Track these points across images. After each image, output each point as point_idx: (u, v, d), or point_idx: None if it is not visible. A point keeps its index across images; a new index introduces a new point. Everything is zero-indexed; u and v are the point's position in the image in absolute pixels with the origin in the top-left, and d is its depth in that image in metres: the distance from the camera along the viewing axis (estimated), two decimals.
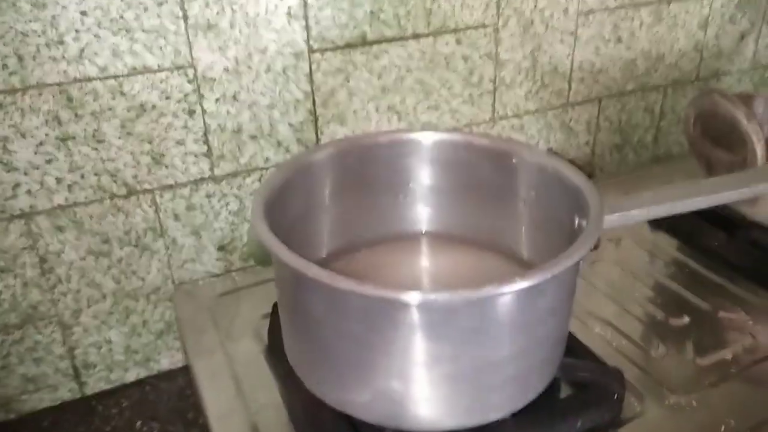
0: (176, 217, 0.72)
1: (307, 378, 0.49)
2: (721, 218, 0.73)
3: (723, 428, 0.50)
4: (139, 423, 0.72)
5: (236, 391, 0.55)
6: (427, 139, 0.59)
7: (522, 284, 0.40)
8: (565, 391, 0.53)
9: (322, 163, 0.56)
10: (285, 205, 0.52)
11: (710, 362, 0.57)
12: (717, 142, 0.70)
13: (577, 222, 0.50)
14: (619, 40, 0.92)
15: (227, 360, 0.58)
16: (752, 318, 0.62)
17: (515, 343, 0.44)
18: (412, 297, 0.39)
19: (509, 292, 0.40)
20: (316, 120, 0.75)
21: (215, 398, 0.55)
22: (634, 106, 0.99)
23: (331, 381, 0.46)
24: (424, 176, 0.60)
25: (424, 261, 0.60)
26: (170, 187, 0.70)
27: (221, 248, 0.76)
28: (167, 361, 0.78)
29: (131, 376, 0.77)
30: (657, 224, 0.77)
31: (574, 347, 0.55)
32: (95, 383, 0.75)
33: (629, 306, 0.64)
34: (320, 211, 0.57)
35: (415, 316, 0.41)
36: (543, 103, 0.90)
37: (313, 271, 0.41)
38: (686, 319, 0.62)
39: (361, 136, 0.58)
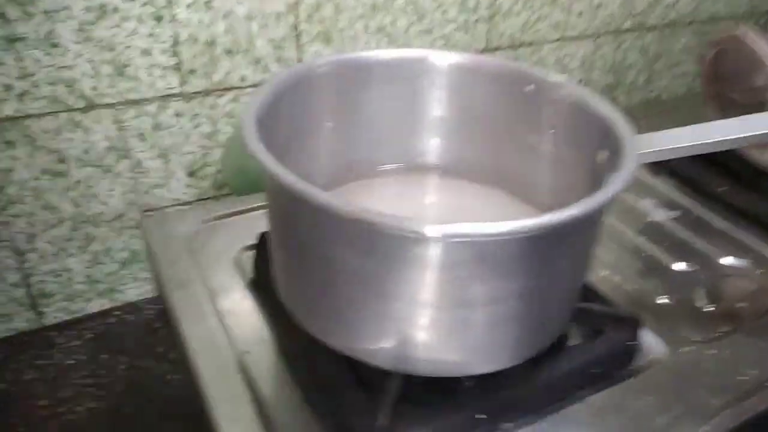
0: (141, 137, 0.62)
1: (304, 318, 0.41)
2: (726, 164, 0.66)
3: (741, 378, 0.44)
4: (105, 356, 0.63)
5: (219, 325, 0.46)
6: (441, 60, 0.50)
7: (551, 221, 0.33)
8: (580, 338, 0.46)
9: (322, 79, 0.46)
10: (277, 124, 0.42)
11: (721, 310, 0.51)
12: (733, 81, 0.63)
13: (604, 157, 0.42)
14: None
15: (207, 293, 0.49)
16: (759, 266, 0.56)
17: (536, 286, 0.36)
18: (432, 230, 0.31)
19: (536, 230, 0.33)
20: (298, 36, 0.65)
21: (196, 332, 0.46)
22: (630, 45, 0.91)
23: (331, 321, 0.38)
24: (435, 103, 0.50)
25: (431, 197, 0.51)
26: (135, 102, 0.60)
27: (191, 174, 0.66)
28: (134, 292, 0.69)
29: (94, 307, 0.68)
30: (658, 168, 0.70)
31: (587, 292, 0.48)
32: (54, 313, 0.66)
33: (635, 250, 0.57)
34: (318, 134, 0.47)
35: (431, 251, 0.33)
36: (539, 36, 0.82)
37: (321, 197, 0.33)
38: (694, 266, 0.56)
39: (367, 53, 0.49)
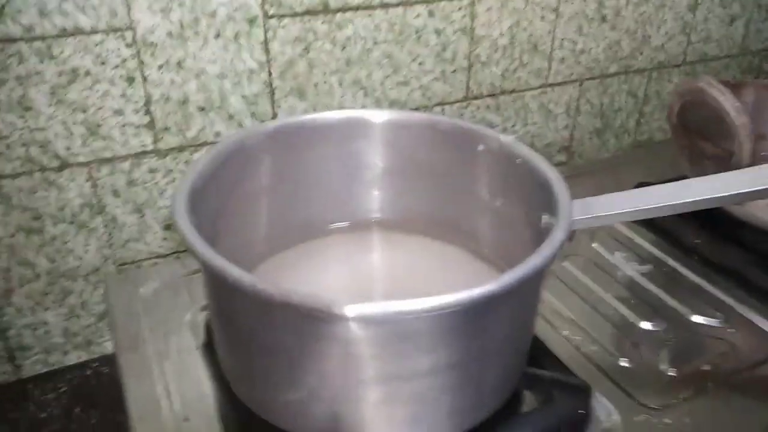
0: (116, 193, 0.64)
1: (239, 388, 0.42)
2: (703, 215, 0.66)
3: None
4: (77, 410, 0.65)
5: (164, 389, 0.48)
6: (379, 118, 0.51)
7: (473, 296, 0.33)
8: (527, 405, 0.46)
9: (260, 145, 0.48)
10: (216, 191, 0.44)
11: (685, 373, 0.51)
12: (702, 132, 0.63)
13: (544, 219, 0.43)
14: (603, 19, 0.84)
15: (158, 355, 0.51)
16: (731, 325, 0.56)
17: (469, 358, 0.37)
18: (349, 309, 0.32)
19: (463, 303, 0.33)
20: (272, 92, 0.67)
21: (139, 395, 0.47)
22: (617, 89, 0.91)
23: (263, 395, 0.39)
24: (376, 159, 0.51)
25: (376, 254, 0.53)
26: (108, 160, 0.62)
27: (168, 227, 0.68)
28: (110, 344, 0.71)
29: (72, 359, 0.70)
30: None
31: (539, 353, 0.48)
32: (32, 366, 0.68)
33: (601, 307, 0.57)
34: (258, 197, 0.49)
35: (352, 329, 0.34)
36: (521, 83, 0.82)
37: (235, 274, 0.34)
38: (661, 324, 0.55)
39: (303, 117, 0.50)
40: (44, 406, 0.65)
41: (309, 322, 0.34)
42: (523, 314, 0.40)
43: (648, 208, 0.41)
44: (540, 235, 0.43)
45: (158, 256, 0.69)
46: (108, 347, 0.70)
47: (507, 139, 0.47)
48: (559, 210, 0.39)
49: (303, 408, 0.38)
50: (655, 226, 0.67)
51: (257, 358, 0.38)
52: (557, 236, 0.37)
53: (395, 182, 0.52)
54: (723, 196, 0.40)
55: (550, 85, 0.85)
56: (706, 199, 0.41)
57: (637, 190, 0.42)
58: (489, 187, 0.49)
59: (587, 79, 0.87)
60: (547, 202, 0.42)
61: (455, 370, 0.37)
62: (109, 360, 0.70)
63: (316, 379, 0.37)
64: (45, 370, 0.69)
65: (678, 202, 0.41)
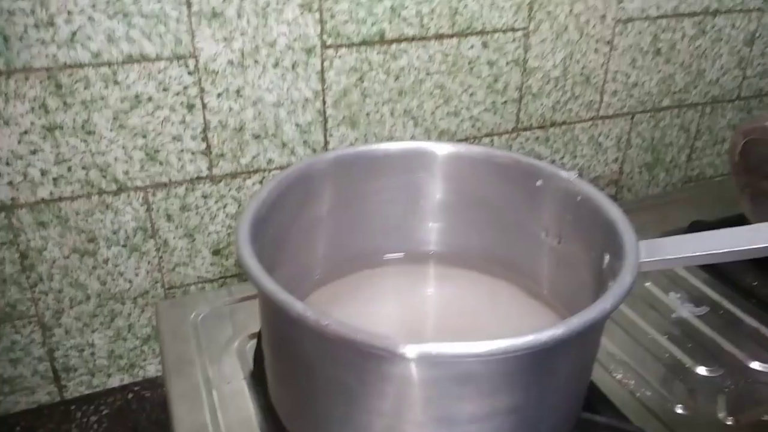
0: (169, 218, 0.65)
1: (289, 421, 0.42)
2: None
3: None
4: None
5: (211, 417, 0.48)
6: (441, 150, 0.51)
7: (540, 339, 0.33)
8: None
9: (322, 173, 0.49)
10: (278, 218, 0.45)
11: (745, 422, 0.50)
12: (764, 171, 0.62)
13: (606, 260, 0.42)
14: (658, 52, 0.84)
15: (205, 380, 0.51)
16: None
17: (527, 403, 0.37)
18: (409, 350, 0.32)
19: (529, 347, 0.33)
20: (325, 121, 0.68)
21: (186, 422, 0.48)
22: (669, 123, 0.91)
23: (312, 430, 0.40)
24: (435, 191, 0.52)
25: (430, 288, 0.53)
26: (164, 185, 0.64)
27: (216, 252, 0.69)
28: (154, 368, 0.72)
29: (114, 382, 0.71)
30: None
31: (593, 398, 0.48)
32: (75, 387, 0.69)
33: (656, 350, 0.56)
34: (317, 226, 0.50)
35: (408, 369, 0.34)
36: (571, 115, 0.82)
37: (299, 309, 0.34)
38: (718, 370, 0.54)
39: (369, 146, 0.51)
40: (86, 428, 0.66)
41: (370, 360, 0.34)
42: (584, 359, 0.40)
43: (719, 253, 0.40)
44: (601, 276, 0.43)
45: (205, 281, 0.70)
46: (150, 370, 0.72)
47: (569, 175, 0.47)
48: (626, 251, 0.39)
49: None
50: (711, 266, 0.66)
51: (312, 392, 0.39)
52: (625, 279, 0.37)
53: (452, 215, 0.53)
54: None
55: (601, 117, 0.85)
56: None
57: (706, 233, 0.42)
58: (547, 224, 0.50)
59: (639, 112, 0.87)
60: (611, 243, 0.42)
61: (513, 415, 0.37)
62: (152, 384, 0.71)
63: (372, 418, 0.37)
64: (88, 392, 0.70)
65: (750, 247, 0.40)
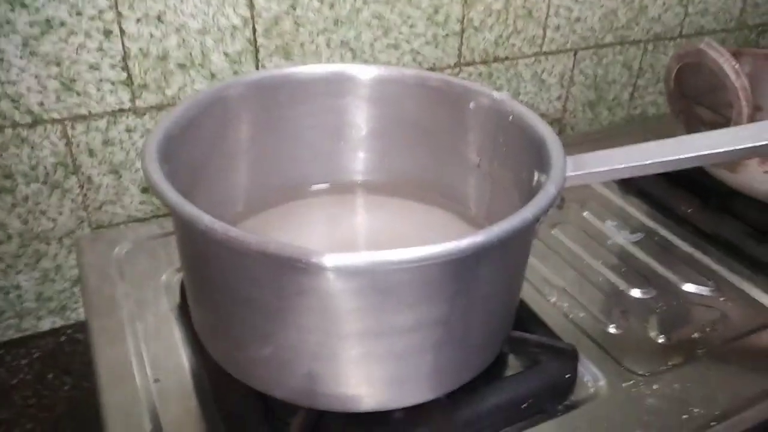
0: (91, 153, 0.62)
1: (212, 348, 0.40)
2: (696, 183, 0.65)
3: (685, 417, 0.43)
4: (50, 376, 0.63)
5: (135, 351, 0.46)
6: (366, 74, 0.49)
7: (460, 246, 0.32)
8: (512, 368, 0.45)
9: (240, 98, 0.46)
10: (193, 141, 0.42)
11: (675, 340, 0.49)
12: (699, 98, 0.62)
13: (536, 178, 0.41)
14: None
15: (130, 317, 0.49)
16: (722, 293, 0.55)
17: (453, 315, 0.35)
18: (326, 259, 0.30)
19: (449, 254, 0.32)
20: (256, 51, 0.65)
21: (109, 355, 0.46)
22: (612, 60, 0.90)
23: (235, 353, 0.38)
24: (361, 117, 0.50)
25: (360, 216, 0.51)
26: (83, 117, 0.60)
27: (145, 190, 0.66)
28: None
29: (45, 325, 0.68)
30: (626, 187, 0.68)
31: (525, 318, 0.47)
32: (4, 331, 0.66)
33: (590, 274, 0.56)
34: (237, 154, 0.47)
35: (329, 281, 0.32)
36: (514, 51, 0.81)
37: (206, 221, 0.32)
38: (651, 292, 0.54)
39: (287, 69, 0.48)
40: (16, 372, 0.63)
41: (286, 273, 0.33)
42: (511, 272, 0.38)
43: (644, 164, 0.39)
44: (530, 195, 0.42)
45: (135, 220, 0.67)
46: (83, 313, 0.69)
47: (500, 95, 0.46)
48: (552, 165, 0.38)
49: (277, 366, 0.36)
50: (647, 195, 0.66)
51: (230, 312, 0.37)
52: (549, 190, 0.35)
53: (381, 143, 0.51)
54: (720, 152, 0.39)
55: (544, 53, 0.83)
56: (704, 155, 0.40)
57: (632, 146, 0.41)
58: (479, 147, 0.48)
59: (582, 48, 0.86)
60: (540, 160, 0.40)
61: (438, 327, 0.35)
62: (84, 327, 0.69)
63: (292, 335, 0.35)
64: (18, 335, 0.67)
65: (674, 158, 0.39)
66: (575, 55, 0.86)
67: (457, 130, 0.49)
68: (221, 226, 0.32)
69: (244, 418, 0.39)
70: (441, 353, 0.37)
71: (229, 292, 0.35)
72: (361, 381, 0.36)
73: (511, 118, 0.46)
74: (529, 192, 0.43)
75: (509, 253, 0.37)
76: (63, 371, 0.64)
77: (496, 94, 0.47)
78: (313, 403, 0.37)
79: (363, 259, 0.31)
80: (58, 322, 0.68)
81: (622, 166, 0.39)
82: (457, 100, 0.49)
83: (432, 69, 0.76)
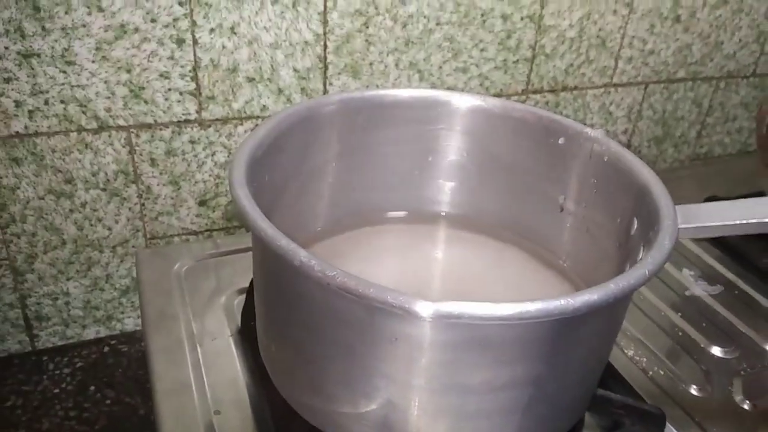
0: (153, 162, 0.61)
1: (281, 381, 0.38)
2: None
3: None
4: (92, 388, 0.62)
5: (194, 376, 0.44)
6: (460, 102, 0.47)
7: (574, 305, 0.29)
8: (595, 428, 0.43)
9: (327, 118, 0.44)
10: (276, 164, 0.40)
11: (762, 407, 0.47)
12: None
13: (635, 227, 0.39)
14: (677, 19, 0.79)
15: (188, 336, 0.47)
16: None
17: (549, 374, 0.33)
18: (424, 308, 0.29)
19: (556, 314, 0.29)
20: (325, 68, 0.63)
21: (168, 381, 0.44)
22: (682, 96, 0.87)
23: (308, 392, 0.36)
24: (451, 147, 0.48)
25: (439, 250, 0.49)
26: (149, 126, 0.59)
27: (203, 203, 0.65)
28: (132, 321, 0.68)
29: (90, 334, 0.67)
30: None
31: (606, 375, 0.45)
32: (48, 338, 0.65)
33: (668, 327, 0.53)
34: (318, 176, 0.45)
35: (421, 329, 0.30)
36: (584, 80, 0.78)
37: (301, 256, 0.30)
38: (734, 352, 0.52)
39: (379, 91, 0.46)
40: (58, 381, 0.62)
41: (378, 317, 0.31)
42: (610, 330, 0.36)
43: (762, 221, 0.37)
44: (627, 245, 0.40)
45: (189, 233, 0.66)
46: (128, 324, 0.68)
47: (595, 132, 0.44)
48: (662, 216, 0.35)
49: (354, 412, 0.34)
50: (724, 243, 0.63)
51: (309, 352, 0.35)
52: (664, 244, 0.33)
53: (464, 173, 0.48)
54: None
55: (614, 85, 0.81)
56: None
57: (747, 200, 0.38)
58: (568, 187, 0.46)
59: (653, 82, 0.83)
60: (641, 208, 0.38)
61: (531, 387, 0.33)
62: (130, 338, 0.67)
63: (375, 383, 0.33)
64: (62, 343, 0.66)
65: None
66: (645, 88, 0.83)
67: (545, 167, 0.47)
68: (318, 262, 0.30)
69: None
70: (528, 414, 0.34)
71: (312, 331, 0.34)
72: None
73: (606, 158, 0.43)
74: (625, 242, 0.41)
75: (613, 312, 0.35)
76: (105, 384, 0.62)
77: (590, 132, 0.45)
78: None
79: (465, 310, 0.29)
80: (103, 332, 0.67)
81: (738, 222, 0.37)
82: (546, 135, 0.46)
83: (498, 95, 0.74)
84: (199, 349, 0.46)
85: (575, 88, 0.78)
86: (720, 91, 0.90)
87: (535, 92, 0.76)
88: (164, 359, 0.46)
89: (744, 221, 0.37)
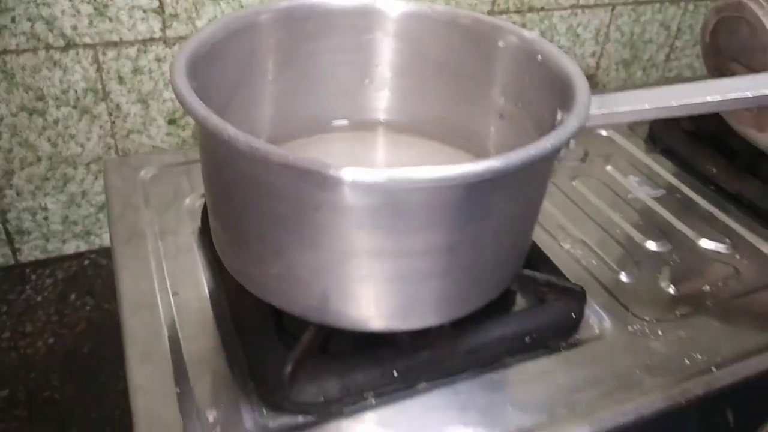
0: (121, 80, 0.64)
1: (229, 262, 0.42)
2: (722, 143, 0.65)
3: (686, 361, 0.44)
4: (73, 296, 0.66)
5: (155, 267, 0.49)
6: (396, 9, 0.50)
7: (476, 170, 0.33)
8: (519, 306, 0.47)
9: (268, 26, 0.47)
10: (219, 70, 0.44)
11: (685, 292, 0.51)
12: (734, 55, 0.61)
13: (559, 117, 0.42)
14: None
15: (155, 243, 0.51)
16: (739, 251, 0.56)
17: (463, 242, 0.37)
18: (346, 173, 0.32)
19: (457, 177, 0.33)
20: None
21: (130, 268, 0.48)
22: (650, 18, 0.89)
23: (251, 267, 0.40)
24: (388, 55, 0.51)
25: (379, 154, 0.52)
26: (114, 44, 0.62)
27: (172, 122, 0.68)
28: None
29: (70, 249, 0.71)
30: (653, 145, 0.69)
31: (536, 260, 0.49)
32: (30, 251, 0.69)
33: (607, 226, 0.57)
34: (261, 85, 0.49)
35: (347, 197, 0.34)
36: (550, 1, 0.80)
37: (229, 131, 0.34)
38: (667, 245, 0.55)
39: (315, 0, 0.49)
40: (40, 290, 0.67)
41: (305, 187, 0.34)
42: (524, 206, 0.40)
43: (670, 107, 0.40)
44: None
45: (161, 151, 0.69)
46: (107, 238, 0.72)
47: (531, 34, 0.46)
48: (576, 102, 0.38)
49: (291, 282, 0.38)
50: (672, 153, 0.67)
51: (248, 227, 0.39)
52: (570, 123, 0.36)
53: (405, 81, 0.52)
54: (749, 97, 0.39)
55: (581, 6, 0.82)
56: (732, 99, 0.40)
57: (659, 87, 0.41)
58: (505, 88, 0.49)
59: (620, 4, 0.85)
60: (565, 100, 0.41)
61: (448, 253, 0.37)
62: (109, 252, 0.71)
63: (307, 251, 0.37)
64: (43, 257, 0.70)
65: (701, 101, 0.40)
66: (613, 10, 0.85)
67: (485, 71, 0.50)
68: (244, 136, 0.33)
69: (258, 332, 0.41)
70: (448, 280, 0.38)
71: (247, 206, 0.37)
72: (370, 301, 0.38)
73: (539, 57, 0.46)
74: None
75: (524, 186, 0.38)
76: (85, 293, 0.67)
77: (526, 33, 0.47)
78: (324, 319, 0.39)
79: (381, 175, 0.33)
80: (83, 247, 0.71)
81: (647, 107, 0.40)
82: (486, 39, 0.49)
83: None
84: (160, 244, 0.50)
85: (542, 9, 0.80)
86: (689, 14, 0.91)
87: (501, 12, 0.78)
88: (128, 251, 0.50)
89: (653, 107, 0.40)
